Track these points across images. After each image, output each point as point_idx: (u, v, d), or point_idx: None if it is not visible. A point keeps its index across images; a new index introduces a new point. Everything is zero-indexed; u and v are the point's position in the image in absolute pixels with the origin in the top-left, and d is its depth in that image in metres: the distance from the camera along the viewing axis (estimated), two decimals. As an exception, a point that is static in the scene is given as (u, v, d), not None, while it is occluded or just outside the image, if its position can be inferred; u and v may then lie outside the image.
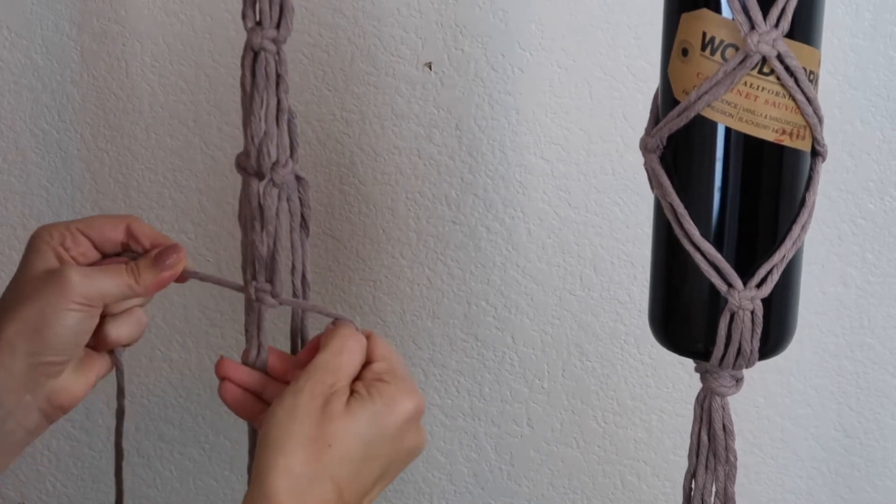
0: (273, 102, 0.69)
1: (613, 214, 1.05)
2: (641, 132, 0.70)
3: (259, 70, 0.69)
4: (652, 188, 0.70)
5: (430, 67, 1.03)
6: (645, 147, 0.69)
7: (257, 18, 0.68)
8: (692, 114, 0.65)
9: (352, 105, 1.04)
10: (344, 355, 0.69)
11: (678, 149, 0.67)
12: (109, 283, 0.71)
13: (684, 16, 0.65)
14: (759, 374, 1.08)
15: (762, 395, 1.10)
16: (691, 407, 0.75)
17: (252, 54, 0.69)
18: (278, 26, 0.68)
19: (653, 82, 0.70)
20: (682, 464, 0.77)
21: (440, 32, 1.02)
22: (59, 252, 0.72)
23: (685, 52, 0.65)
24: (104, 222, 0.74)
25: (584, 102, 1.02)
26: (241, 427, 1.14)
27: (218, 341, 1.13)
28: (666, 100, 0.67)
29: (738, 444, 0.75)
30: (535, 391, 1.11)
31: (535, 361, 1.10)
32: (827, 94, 0.99)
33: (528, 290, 1.08)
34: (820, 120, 0.66)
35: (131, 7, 1.04)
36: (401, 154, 1.05)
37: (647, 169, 0.69)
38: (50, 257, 0.71)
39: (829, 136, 1.00)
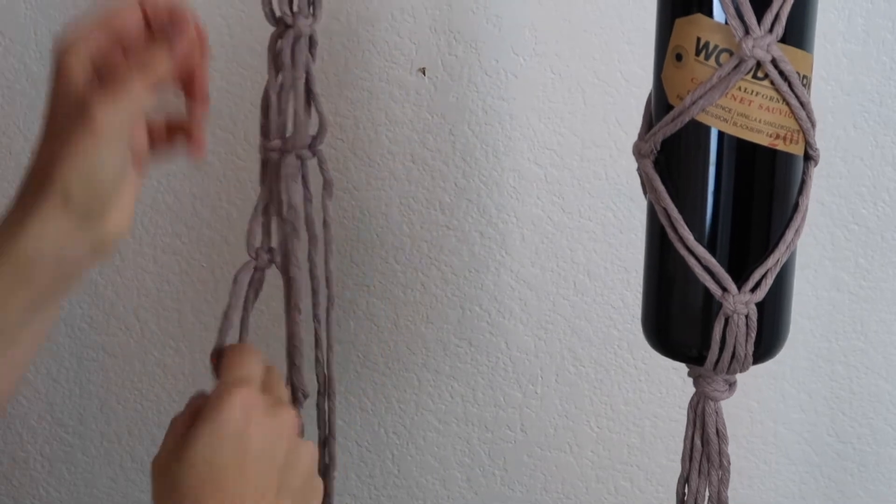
0: None
1: (607, 219, 1.05)
2: (635, 137, 0.70)
3: None
4: (645, 193, 0.70)
5: (424, 72, 1.03)
6: (638, 152, 0.69)
7: None
8: (686, 118, 0.65)
9: (346, 110, 1.04)
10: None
11: (672, 153, 0.67)
12: (132, 102, 0.66)
13: (678, 21, 0.65)
14: (753, 379, 1.08)
15: (755, 399, 1.10)
16: (684, 412, 0.75)
17: None
18: None
19: (646, 87, 0.71)
20: (676, 469, 0.77)
21: (434, 38, 1.02)
22: (82, 68, 0.66)
23: (679, 58, 0.65)
24: (122, 17, 0.68)
25: (577, 107, 1.03)
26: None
27: (211, 345, 1.12)
28: (659, 105, 0.68)
29: (732, 449, 0.75)
30: (528, 396, 1.11)
31: (529, 366, 1.10)
32: (820, 99, 0.99)
33: (522, 296, 1.08)
34: (813, 124, 0.67)
35: (125, 12, 1.03)
36: (394, 159, 1.05)
37: (640, 174, 0.69)
38: (75, 77, 0.66)
39: (822, 141, 1.00)
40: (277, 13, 0.73)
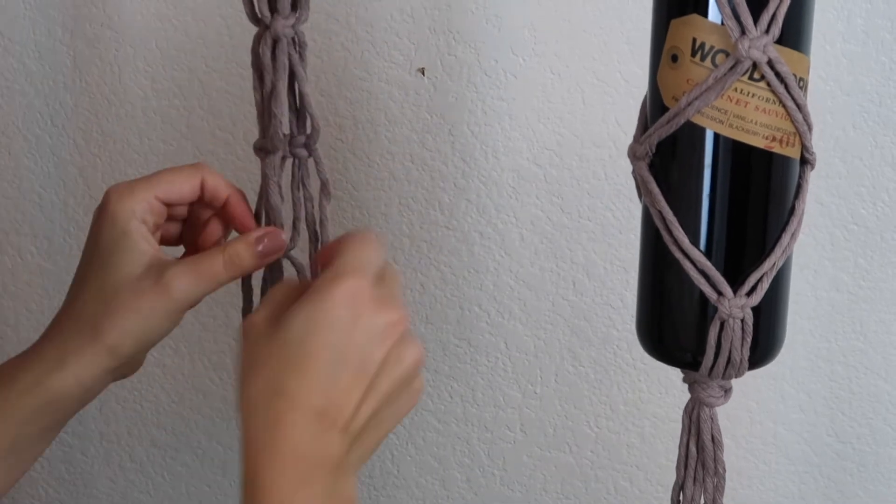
0: None
1: (606, 219, 1.05)
2: (633, 138, 0.70)
3: None
4: (640, 196, 0.70)
5: (423, 73, 1.03)
6: (633, 154, 0.69)
7: None
8: (682, 120, 0.65)
9: (345, 110, 1.04)
10: None
11: (667, 156, 0.67)
12: (210, 285, 0.69)
13: (674, 22, 0.65)
14: (752, 380, 1.08)
15: (755, 400, 1.10)
16: (684, 412, 0.75)
17: None
18: None
19: (645, 88, 0.70)
20: (675, 469, 0.77)
21: (433, 38, 1.02)
22: (146, 237, 0.70)
23: (675, 59, 0.65)
24: (179, 182, 0.72)
25: (576, 108, 1.02)
26: (233, 433, 1.14)
27: (211, 346, 1.13)
28: (655, 106, 0.67)
29: (731, 450, 0.75)
30: (527, 396, 1.11)
31: (528, 366, 1.10)
32: (819, 99, 0.99)
33: (521, 296, 1.08)
34: (809, 127, 0.66)
35: (124, 12, 1.03)
36: (394, 159, 1.05)
37: (635, 176, 0.69)
38: (142, 245, 0.69)
39: (821, 141, 1.00)
40: (258, 14, 0.73)
